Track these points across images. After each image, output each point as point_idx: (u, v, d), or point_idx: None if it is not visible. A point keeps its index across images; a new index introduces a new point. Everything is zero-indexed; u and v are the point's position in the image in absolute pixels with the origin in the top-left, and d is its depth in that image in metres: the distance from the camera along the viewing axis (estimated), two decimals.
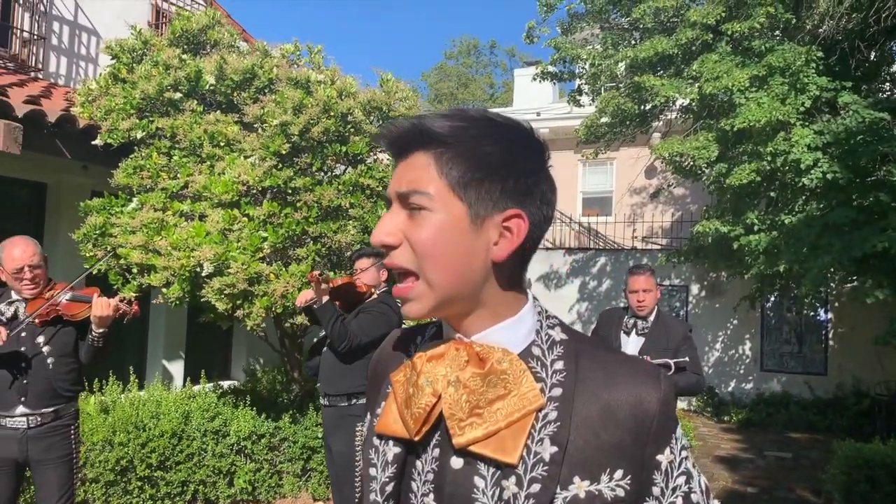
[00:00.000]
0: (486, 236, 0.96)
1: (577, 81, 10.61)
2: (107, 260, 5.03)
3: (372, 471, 1.04)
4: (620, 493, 0.93)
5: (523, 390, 0.95)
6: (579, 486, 0.92)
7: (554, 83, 12.52)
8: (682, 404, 12.08)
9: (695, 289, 11.93)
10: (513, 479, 0.93)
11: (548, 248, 13.83)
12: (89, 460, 5.06)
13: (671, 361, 4.34)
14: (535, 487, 0.91)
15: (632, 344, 4.52)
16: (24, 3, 7.95)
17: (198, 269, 4.97)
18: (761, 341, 11.56)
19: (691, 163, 8.84)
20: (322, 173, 5.49)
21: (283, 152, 5.19)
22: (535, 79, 10.86)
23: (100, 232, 5.47)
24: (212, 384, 7.58)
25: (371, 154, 5.64)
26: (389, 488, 1.01)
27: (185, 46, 6.37)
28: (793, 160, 7.28)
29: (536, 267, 13.14)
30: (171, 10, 9.44)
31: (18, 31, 7.92)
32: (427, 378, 0.99)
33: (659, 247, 13.53)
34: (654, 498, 0.95)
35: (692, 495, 0.98)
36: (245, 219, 5.16)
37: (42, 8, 8.13)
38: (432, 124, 0.96)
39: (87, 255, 5.48)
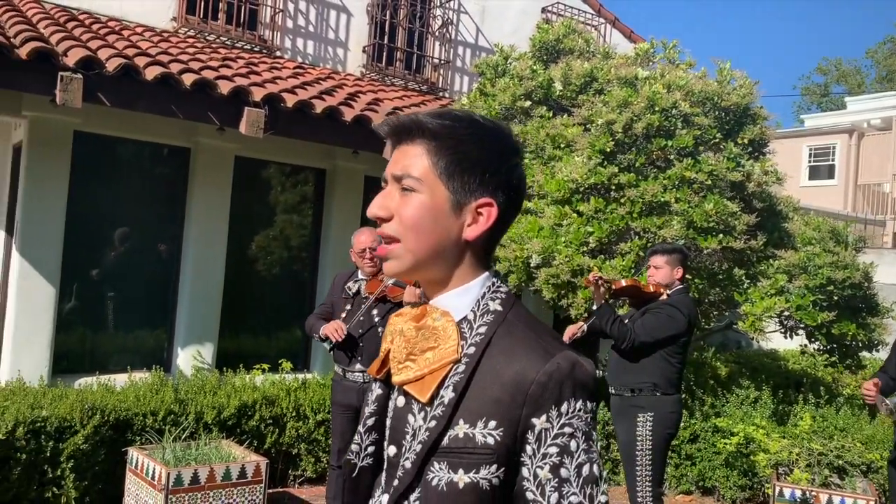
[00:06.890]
0: (462, 219, 1.16)
1: None
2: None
3: (366, 408, 1.28)
4: (490, 440, 1.08)
5: (447, 345, 1.14)
6: (461, 428, 1.10)
7: None
8: None
9: None
10: (422, 414, 1.14)
11: None
12: None
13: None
14: (433, 423, 1.12)
15: None
16: (437, 35, 9.41)
17: (529, 261, 5.46)
18: None
19: None
20: (648, 168, 5.52)
21: (608, 150, 5.37)
22: None
23: None
24: None
25: (704, 147, 5.47)
26: (371, 421, 1.26)
27: (546, 56, 6.91)
28: None
29: None
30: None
31: (430, 59, 9.39)
32: (389, 329, 1.23)
33: None
34: (527, 456, 1.08)
35: (562, 469, 1.07)
36: (575, 215, 5.48)
37: (449, 36, 9.50)
38: (427, 121, 1.16)
39: None
